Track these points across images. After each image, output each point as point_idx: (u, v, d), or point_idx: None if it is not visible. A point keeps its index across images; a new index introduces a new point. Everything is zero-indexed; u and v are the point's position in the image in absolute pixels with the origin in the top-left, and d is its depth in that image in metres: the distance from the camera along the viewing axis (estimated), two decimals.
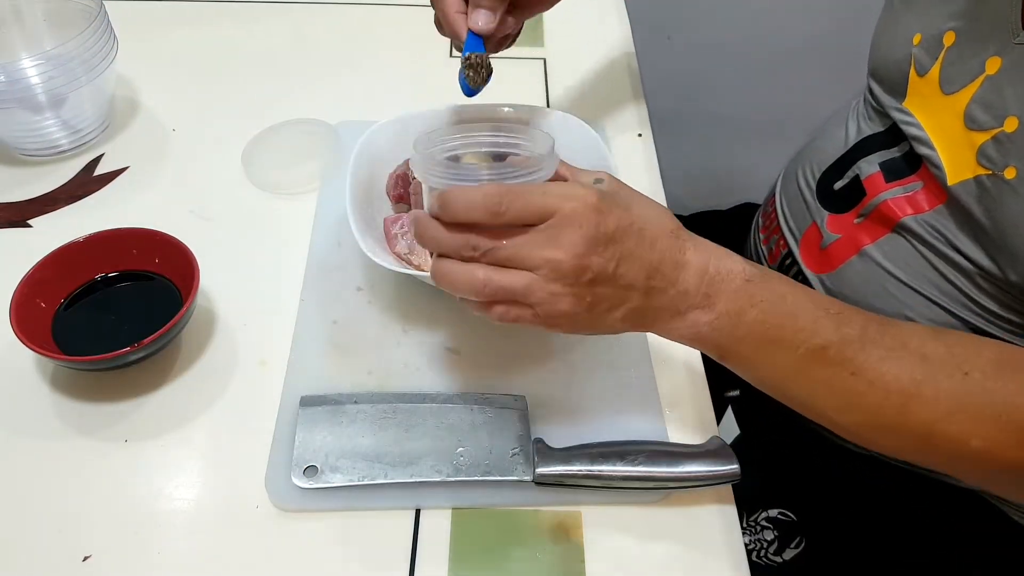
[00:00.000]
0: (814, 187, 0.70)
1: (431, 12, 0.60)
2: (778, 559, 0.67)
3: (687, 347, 0.49)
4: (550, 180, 0.46)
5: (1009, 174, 0.52)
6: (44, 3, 0.76)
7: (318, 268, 0.66)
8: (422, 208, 0.63)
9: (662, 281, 0.45)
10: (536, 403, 0.57)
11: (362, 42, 0.91)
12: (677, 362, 0.61)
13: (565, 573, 0.50)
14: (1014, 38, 0.53)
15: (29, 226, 0.69)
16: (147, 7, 0.94)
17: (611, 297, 0.45)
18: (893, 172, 0.63)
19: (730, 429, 0.79)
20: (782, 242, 0.73)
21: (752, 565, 0.52)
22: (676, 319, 0.47)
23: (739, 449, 0.52)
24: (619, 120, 0.82)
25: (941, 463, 0.52)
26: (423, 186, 0.48)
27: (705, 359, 0.61)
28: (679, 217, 0.49)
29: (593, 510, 0.53)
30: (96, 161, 0.76)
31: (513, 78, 0.85)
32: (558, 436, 0.54)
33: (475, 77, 0.57)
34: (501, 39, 0.60)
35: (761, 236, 0.78)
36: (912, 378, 0.45)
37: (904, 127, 0.62)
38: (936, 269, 0.60)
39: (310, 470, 0.51)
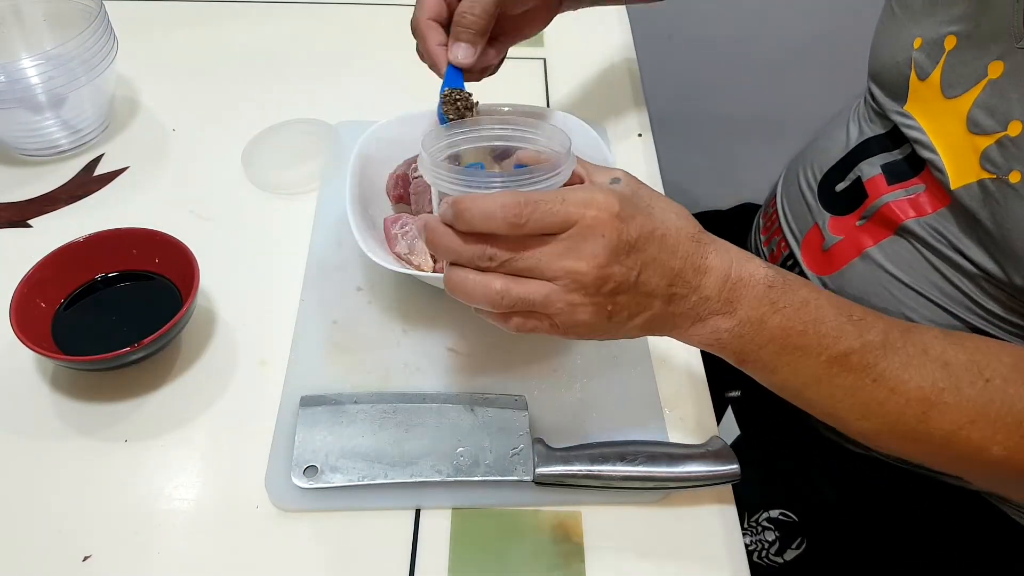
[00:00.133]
0: (815, 189, 0.70)
1: None
2: (779, 560, 0.67)
3: (687, 346, 0.49)
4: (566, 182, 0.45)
5: (1014, 178, 0.52)
6: (44, 3, 0.76)
7: (318, 268, 0.66)
8: (423, 208, 0.64)
9: (684, 287, 0.45)
10: (536, 403, 0.57)
11: (362, 42, 0.91)
12: (677, 362, 0.61)
13: (565, 573, 0.50)
14: (1017, 42, 0.53)
15: (29, 226, 0.69)
16: (147, 7, 0.94)
17: (632, 305, 0.44)
18: (895, 175, 0.63)
19: (730, 430, 0.79)
20: (783, 243, 0.73)
21: (753, 566, 0.52)
22: (697, 325, 0.46)
23: (739, 450, 0.52)
24: (619, 120, 0.82)
25: (960, 469, 0.51)
26: (432, 190, 0.47)
27: (705, 359, 0.61)
28: None
29: (593, 510, 0.53)
30: (96, 161, 0.76)
31: (513, 78, 0.85)
32: (558, 436, 0.54)
33: (454, 112, 0.56)
34: (483, 69, 0.59)
35: (762, 237, 0.78)
36: (934, 385, 0.45)
37: (905, 130, 0.61)
38: (939, 272, 0.59)
39: (310, 470, 0.51)
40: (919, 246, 0.60)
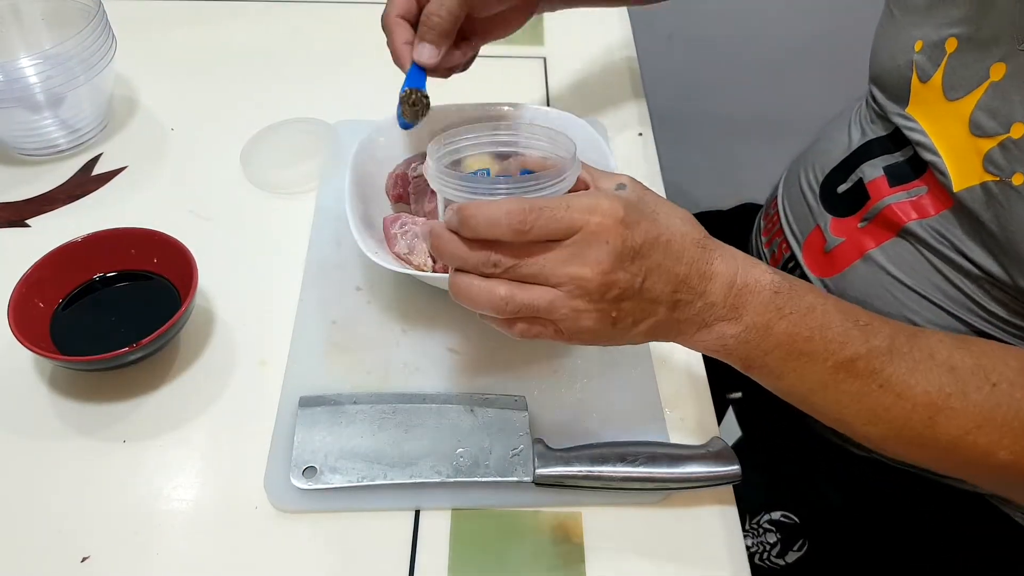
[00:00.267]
0: (817, 190, 0.70)
1: None
2: (781, 562, 0.67)
3: (688, 348, 0.49)
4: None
5: (1017, 180, 0.51)
6: (43, 2, 0.76)
7: (317, 268, 0.66)
8: (422, 208, 0.63)
9: (689, 294, 0.45)
10: (536, 403, 0.57)
11: (362, 41, 0.91)
12: (678, 362, 0.61)
13: (565, 574, 0.50)
14: (1019, 44, 0.53)
15: (27, 226, 0.69)
16: (146, 6, 0.94)
17: (636, 311, 0.44)
18: (897, 177, 0.62)
19: (731, 431, 0.79)
20: (784, 245, 0.73)
21: (755, 568, 0.52)
22: (702, 331, 0.46)
23: (740, 451, 0.51)
24: (619, 119, 0.82)
25: (966, 473, 0.51)
26: (438, 196, 0.47)
27: (706, 359, 0.60)
28: None
29: (593, 511, 0.53)
30: (94, 161, 0.76)
31: (513, 77, 0.85)
32: (558, 436, 0.54)
33: (411, 112, 0.56)
34: (449, 68, 0.59)
35: (763, 238, 0.78)
36: (940, 390, 0.45)
37: (907, 133, 0.61)
38: (942, 274, 0.59)
39: (309, 471, 0.51)
40: (921, 248, 0.60)
